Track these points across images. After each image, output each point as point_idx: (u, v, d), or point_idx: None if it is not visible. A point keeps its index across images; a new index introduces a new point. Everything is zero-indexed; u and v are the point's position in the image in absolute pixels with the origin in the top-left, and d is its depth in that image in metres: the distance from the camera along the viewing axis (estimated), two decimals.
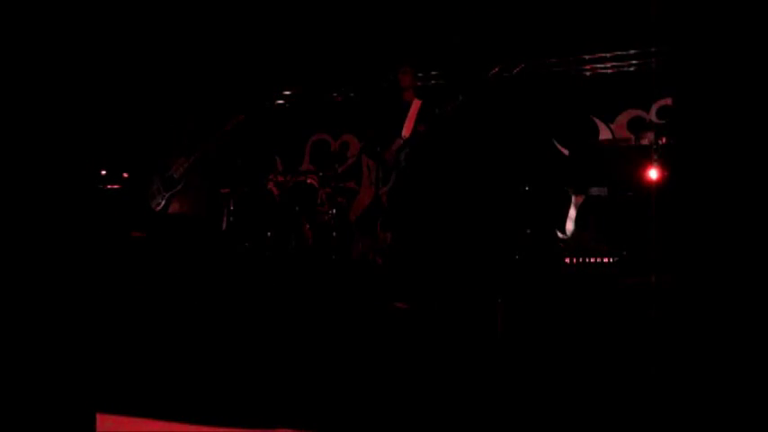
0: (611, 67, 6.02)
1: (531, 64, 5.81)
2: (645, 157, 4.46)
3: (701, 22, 2.06)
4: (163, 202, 5.25)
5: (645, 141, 4.57)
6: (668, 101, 5.65)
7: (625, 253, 4.37)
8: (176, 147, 5.33)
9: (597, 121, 6.03)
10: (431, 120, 4.87)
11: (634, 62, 5.90)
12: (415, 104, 5.12)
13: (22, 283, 1.68)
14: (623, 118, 6.03)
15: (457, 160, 5.22)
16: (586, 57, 6.08)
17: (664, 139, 4.45)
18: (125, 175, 5.63)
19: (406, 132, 5.02)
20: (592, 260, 4.42)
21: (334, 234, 5.67)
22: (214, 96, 5.82)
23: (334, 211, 5.77)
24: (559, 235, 4.98)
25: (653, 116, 5.89)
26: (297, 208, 6.04)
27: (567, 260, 4.52)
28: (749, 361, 1.91)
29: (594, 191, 4.90)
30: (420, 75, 5.99)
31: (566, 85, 6.08)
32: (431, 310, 4.04)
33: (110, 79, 5.41)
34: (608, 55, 6.01)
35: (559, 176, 5.18)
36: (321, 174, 6.27)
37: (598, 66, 6.08)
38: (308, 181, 6.23)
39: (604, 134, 5.99)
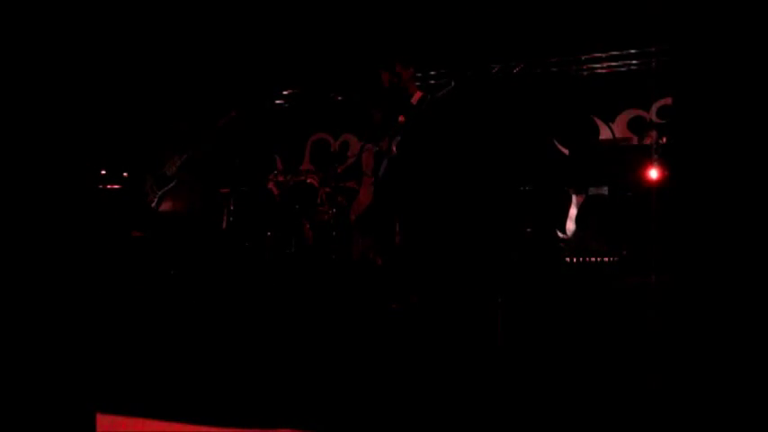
0: (611, 67, 6.02)
1: (530, 64, 5.80)
2: (645, 157, 4.45)
3: (701, 22, 2.06)
4: (155, 200, 5.27)
5: (648, 140, 4.57)
6: (668, 100, 5.64)
7: (625, 252, 4.37)
8: (170, 145, 5.35)
9: (597, 120, 6.03)
10: (424, 106, 4.87)
11: (634, 62, 5.90)
12: (416, 96, 5.12)
13: (22, 283, 1.68)
14: (623, 118, 6.03)
15: (451, 152, 5.20)
16: (586, 56, 6.07)
17: (664, 139, 4.45)
18: (125, 174, 5.64)
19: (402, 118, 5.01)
20: (592, 260, 4.41)
21: (334, 234, 5.67)
22: (212, 96, 5.83)
23: (334, 210, 5.76)
24: (560, 235, 4.97)
25: (653, 116, 5.88)
26: (297, 208, 6.03)
27: (568, 260, 4.52)
28: (749, 361, 1.91)
29: (595, 190, 4.90)
30: (419, 74, 5.98)
31: (566, 85, 6.07)
32: (423, 309, 4.04)
33: (110, 79, 5.41)
34: (608, 55, 6.01)
35: (559, 176, 5.17)
36: (321, 173, 6.26)
37: (598, 66, 6.07)
38: (308, 181, 6.23)
39: (604, 134, 5.98)
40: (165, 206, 5.30)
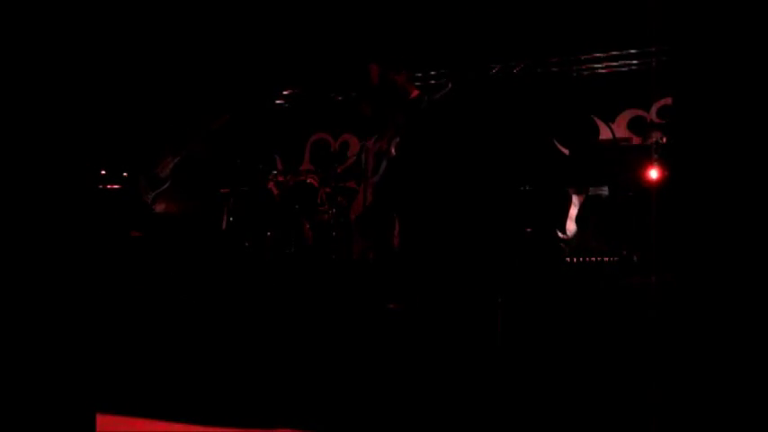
0: (611, 67, 6.02)
1: (531, 64, 5.80)
2: (646, 157, 4.45)
3: (700, 22, 2.06)
4: (149, 201, 5.27)
5: (652, 140, 4.57)
6: (668, 100, 5.64)
7: (625, 252, 4.37)
8: (166, 146, 5.35)
9: (597, 120, 6.02)
10: (422, 106, 4.88)
11: (634, 62, 5.90)
12: (414, 94, 5.12)
13: (22, 283, 1.68)
14: (623, 118, 6.03)
15: (450, 152, 5.20)
16: (586, 56, 6.07)
17: (664, 139, 4.45)
18: (125, 174, 5.64)
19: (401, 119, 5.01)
20: (592, 260, 4.41)
21: (334, 234, 5.66)
22: (212, 97, 5.83)
23: (334, 210, 5.76)
24: (560, 235, 4.97)
25: (653, 116, 5.88)
26: (297, 208, 6.03)
27: (568, 260, 4.52)
28: (750, 360, 1.91)
29: (595, 190, 4.90)
30: (419, 74, 5.98)
31: (566, 85, 6.07)
32: (422, 310, 4.04)
33: (111, 79, 5.42)
34: (608, 55, 6.00)
35: (559, 176, 5.17)
36: (321, 173, 6.25)
37: (598, 66, 6.07)
38: (308, 181, 6.22)
39: (604, 134, 5.98)
40: (163, 207, 5.30)
